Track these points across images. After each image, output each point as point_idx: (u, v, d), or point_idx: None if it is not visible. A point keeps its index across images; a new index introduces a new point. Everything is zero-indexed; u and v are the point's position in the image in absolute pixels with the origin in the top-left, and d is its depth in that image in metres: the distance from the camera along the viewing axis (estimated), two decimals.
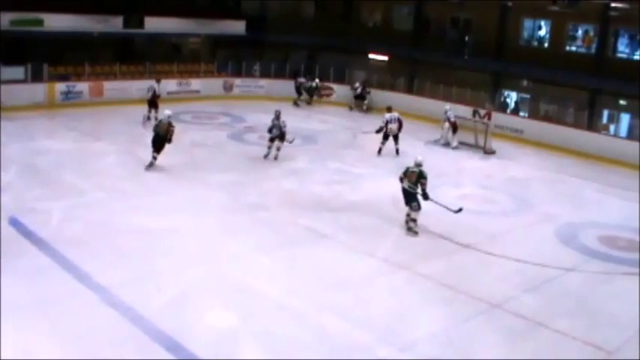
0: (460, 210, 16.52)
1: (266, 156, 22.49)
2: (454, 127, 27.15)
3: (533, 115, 32.29)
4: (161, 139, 19.98)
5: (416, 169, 16.22)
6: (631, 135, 29.67)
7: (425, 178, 16.11)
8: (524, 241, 16.85)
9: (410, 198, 16.29)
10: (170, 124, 20.04)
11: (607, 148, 27.21)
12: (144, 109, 26.40)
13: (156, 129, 20.30)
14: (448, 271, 14.37)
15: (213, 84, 34.59)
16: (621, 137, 29.63)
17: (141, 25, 33.23)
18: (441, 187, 21.01)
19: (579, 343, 11.65)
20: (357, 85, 34.48)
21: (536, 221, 18.38)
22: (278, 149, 22.49)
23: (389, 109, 25.41)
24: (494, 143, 27.30)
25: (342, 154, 24.41)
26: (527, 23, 34.12)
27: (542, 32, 33.97)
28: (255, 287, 12.70)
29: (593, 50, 31.44)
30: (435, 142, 27.37)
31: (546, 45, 33.52)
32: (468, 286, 13.58)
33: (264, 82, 35.71)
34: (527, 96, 34.70)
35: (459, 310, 12.56)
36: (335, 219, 17.18)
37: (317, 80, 35.15)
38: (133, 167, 20.33)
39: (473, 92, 32.81)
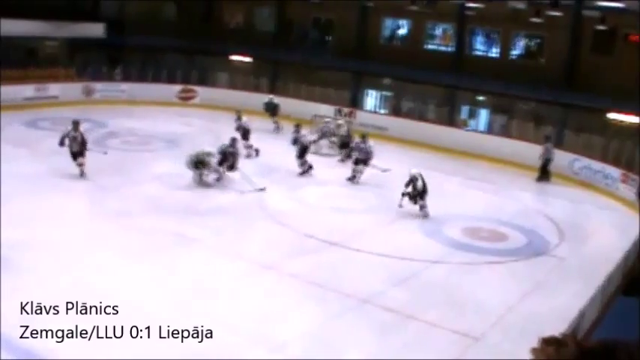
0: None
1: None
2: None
3: (396, 112, 32.92)
4: None
5: None
6: (490, 130, 30.68)
7: None
8: (390, 237, 17.11)
9: None
10: None
11: (467, 143, 28.07)
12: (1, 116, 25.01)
13: None
14: (316, 269, 14.41)
15: (72, 89, 33.28)
16: (480, 132, 30.60)
17: None
18: (306, 186, 21.22)
19: (447, 332, 11.92)
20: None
21: (400, 216, 18.65)
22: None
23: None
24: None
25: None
26: (388, 23, 34.73)
27: (403, 31, 34.64)
28: (123, 296, 12.26)
29: (450, 48, 32.32)
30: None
31: (406, 44, 34.19)
32: (336, 283, 13.63)
33: (125, 86, 34.73)
34: (389, 94, 35.26)
35: (329, 308, 12.58)
36: (203, 222, 16.93)
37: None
38: None
39: (336, 91, 33.21)
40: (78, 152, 20.13)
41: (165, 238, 15.57)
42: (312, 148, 24.80)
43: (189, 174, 20.61)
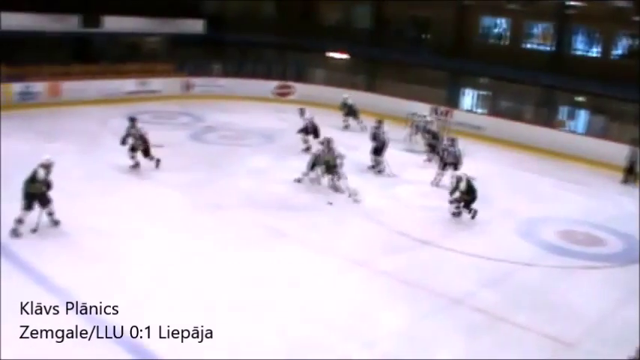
0: None
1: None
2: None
3: (493, 112, 32.57)
4: None
5: None
6: (588, 131, 30.02)
7: None
8: (484, 237, 16.97)
9: None
10: None
11: (563, 144, 27.58)
12: (105, 109, 25.83)
13: None
14: (408, 267, 14.46)
15: (172, 83, 34.27)
16: (577, 133, 30.00)
17: (98, 24, 32.80)
18: (399, 184, 21.21)
19: (538, 336, 11.80)
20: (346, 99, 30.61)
21: (494, 217, 18.46)
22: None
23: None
24: None
25: (302, 152, 24.19)
26: (485, 21, 34.36)
27: (501, 30, 34.20)
28: (216, 288, 12.64)
29: (550, 47, 31.72)
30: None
31: (505, 42, 33.74)
32: (428, 283, 13.67)
33: (224, 81, 35.47)
34: (486, 93, 34.89)
35: (420, 307, 12.64)
36: (295, 218, 17.18)
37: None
38: (91, 168, 19.99)
39: (432, 90, 33.06)
40: (135, 147, 20.28)
41: (259, 232, 15.89)
42: (406, 144, 24.74)
43: (284, 169, 21.03)
